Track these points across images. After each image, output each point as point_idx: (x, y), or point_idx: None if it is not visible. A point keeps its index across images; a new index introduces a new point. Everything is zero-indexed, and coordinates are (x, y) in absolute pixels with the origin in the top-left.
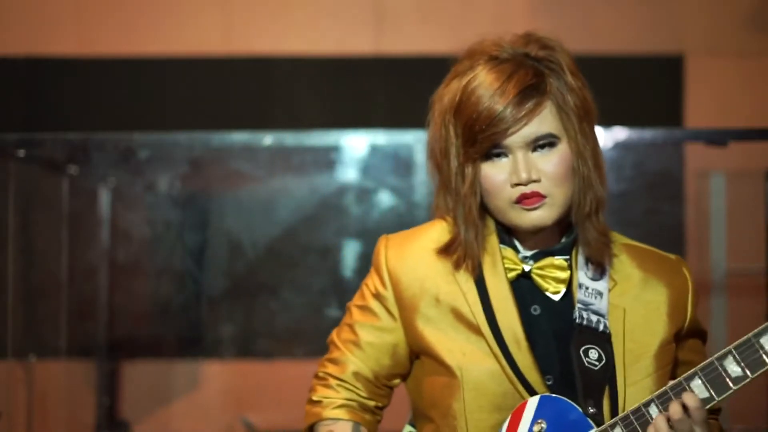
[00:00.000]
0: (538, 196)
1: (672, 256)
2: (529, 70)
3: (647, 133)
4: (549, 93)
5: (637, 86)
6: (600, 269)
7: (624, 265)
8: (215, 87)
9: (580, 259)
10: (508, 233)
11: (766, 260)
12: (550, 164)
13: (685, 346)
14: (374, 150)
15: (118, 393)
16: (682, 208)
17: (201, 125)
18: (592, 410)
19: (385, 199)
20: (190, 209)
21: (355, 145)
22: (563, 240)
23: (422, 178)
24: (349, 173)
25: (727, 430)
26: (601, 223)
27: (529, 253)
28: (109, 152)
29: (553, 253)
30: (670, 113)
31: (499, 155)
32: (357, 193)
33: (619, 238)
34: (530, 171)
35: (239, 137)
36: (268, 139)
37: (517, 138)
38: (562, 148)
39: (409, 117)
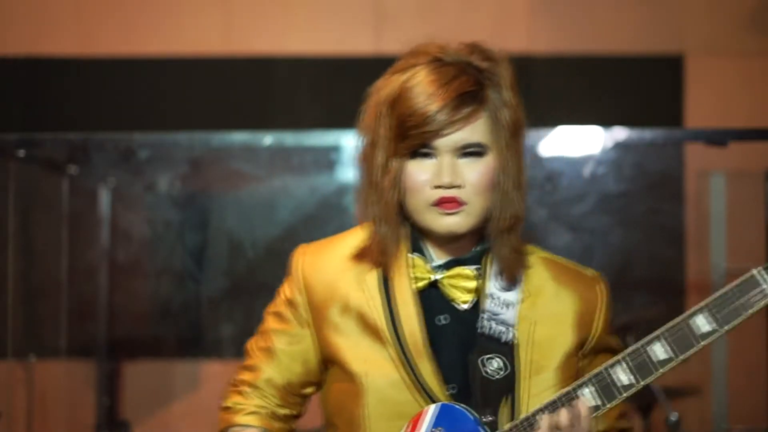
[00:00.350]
0: (457, 202)
1: (590, 273)
2: (470, 78)
3: (647, 133)
4: (486, 104)
5: (637, 86)
6: (512, 280)
7: (538, 278)
8: (215, 87)
9: (493, 269)
10: (421, 241)
11: (766, 260)
12: (474, 173)
13: (593, 362)
14: None
15: (118, 393)
16: (682, 208)
17: (201, 125)
18: (489, 419)
19: None
20: (190, 209)
21: (355, 145)
22: (474, 250)
23: None
24: (349, 173)
25: (727, 430)
26: (516, 240)
27: (440, 262)
28: (109, 152)
29: (463, 263)
30: (670, 113)
31: (425, 155)
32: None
33: (537, 252)
34: (454, 176)
35: (239, 137)
36: (268, 139)
37: (447, 141)
38: (489, 160)
39: None
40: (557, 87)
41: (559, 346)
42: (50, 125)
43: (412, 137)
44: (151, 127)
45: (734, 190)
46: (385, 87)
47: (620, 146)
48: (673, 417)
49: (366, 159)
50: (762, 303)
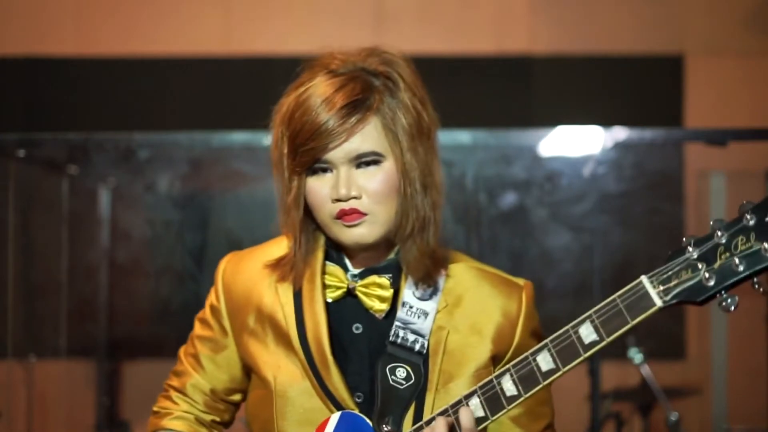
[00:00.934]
0: (358, 213)
1: (519, 282)
2: (358, 85)
3: (647, 133)
4: (375, 109)
5: (637, 86)
6: (432, 289)
7: (460, 287)
8: (215, 87)
9: (411, 278)
10: (337, 251)
11: None
12: (372, 182)
13: None
14: None
15: (118, 393)
16: (682, 208)
17: (201, 125)
18: (387, 428)
19: None
20: (190, 209)
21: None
22: (389, 258)
23: None
24: None
25: (727, 430)
26: (426, 245)
27: (356, 271)
28: (109, 152)
29: (377, 271)
30: (670, 113)
31: (324, 170)
32: None
33: (464, 260)
34: (350, 187)
35: (239, 137)
36: (268, 139)
37: (338, 153)
38: (387, 167)
39: None
40: (557, 87)
41: (473, 356)
42: (50, 125)
43: (303, 153)
44: (151, 127)
45: (734, 190)
46: (284, 104)
47: (620, 146)
48: (673, 417)
49: (275, 178)
50: (649, 312)
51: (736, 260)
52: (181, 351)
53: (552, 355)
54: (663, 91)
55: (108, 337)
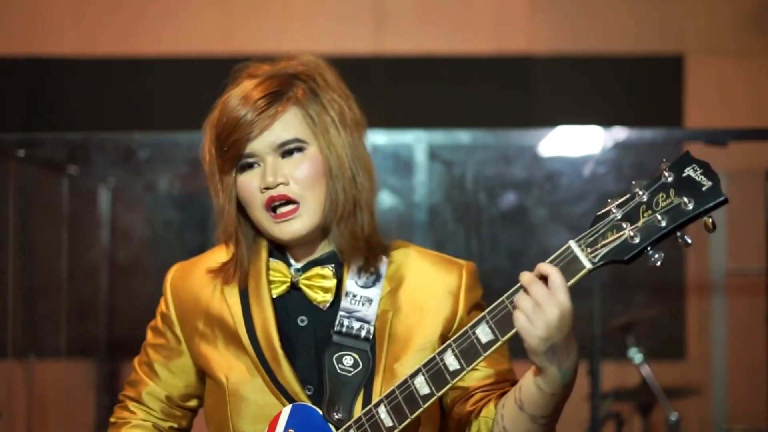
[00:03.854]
0: (289, 202)
1: (461, 262)
2: (276, 80)
3: (647, 133)
4: (294, 99)
5: (637, 86)
6: (374, 276)
7: (400, 270)
8: (215, 87)
9: (352, 267)
10: (278, 247)
11: (767, 260)
12: (298, 169)
13: None
14: (374, 150)
15: (118, 393)
16: None
17: (201, 125)
18: (337, 416)
19: (384, 199)
20: (190, 209)
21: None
22: (329, 249)
23: (422, 179)
24: None
25: (727, 430)
26: (361, 229)
27: (299, 265)
28: (109, 152)
29: (320, 263)
30: (670, 113)
31: (251, 165)
32: None
33: (405, 246)
34: (277, 174)
35: None
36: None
37: (260, 143)
38: (312, 153)
39: (409, 117)
40: (557, 87)
41: (417, 335)
42: (50, 125)
43: (227, 148)
44: (151, 127)
45: (734, 190)
46: (211, 114)
47: (620, 146)
48: (673, 417)
49: (210, 186)
50: (580, 274)
51: (659, 216)
52: (135, 361)
53: (490, 326)
54: (663, 91)
55: (108, 337)
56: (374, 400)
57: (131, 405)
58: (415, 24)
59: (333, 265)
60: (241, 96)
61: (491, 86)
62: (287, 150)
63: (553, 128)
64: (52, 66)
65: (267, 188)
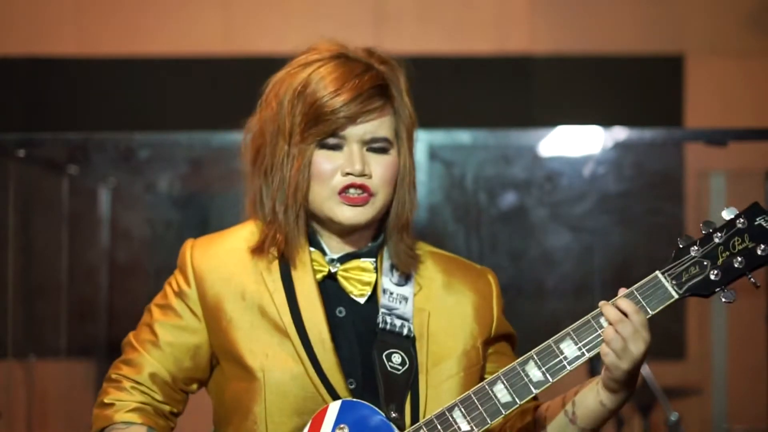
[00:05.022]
0: (367, 192)
1: (478, 267)
2: (380, 75)
3: (647, 133)
4: (392, 101)
5: (637, 86)
6: (405, 275)
7: (429, 270)
8: (215, 87)
9: (385, 265)
10: (317, 235)
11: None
12: (381, 166)
13: (496, 348)
14: None
15: None
16: (682, 208)
17: (201, 125)
18: (394, 414)
19: None
20: (190, 209)
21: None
22: (370, 244)
23: (422, 179)
24: None
25: (727, 430)
26: (410, 238)
27: (335, 256)
28: (109, 152)
29: (359, 256)
30: (670, 113)
31: (333, 147)
32: None
33: (424, 246)
34: (364, 165)
35: (239, 137)
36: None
37: (357, 130)
38: (392, 156)
39: None
40: (557, 87)
41: (458, 337)
42: (50, 125)
43: (325, 123)
44: (151, 127)
45: (734, 190)
46: (289, 79)
47: (620, 146)
48: (673, 417)
49: (260, 150)
50: (667, 302)
51: (738, 258)
52: (132, 339)
53: (574, 342)
54: (663, 91)
55: (108, 337)
56: (421, 400)
57: (129, 386)
58: (415, 24)
59: (374, 260)
60: (344, 79)
61: (491, 86)
62: (376, 147)
63: (553, 128)
64: (52, 66)
65: (350, 174)
